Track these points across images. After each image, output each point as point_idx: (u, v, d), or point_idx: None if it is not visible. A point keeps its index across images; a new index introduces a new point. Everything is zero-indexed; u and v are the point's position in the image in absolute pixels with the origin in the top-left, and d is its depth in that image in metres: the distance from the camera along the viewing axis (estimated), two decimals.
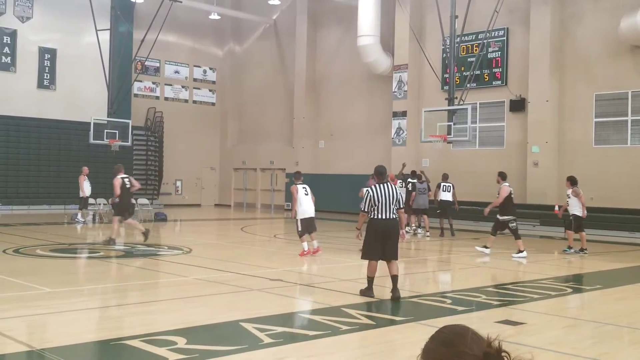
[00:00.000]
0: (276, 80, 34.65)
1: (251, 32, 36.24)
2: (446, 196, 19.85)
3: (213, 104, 37.28)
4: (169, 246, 16.03)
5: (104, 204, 24.16)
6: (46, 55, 30.53)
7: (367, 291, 9.27)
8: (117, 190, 15.19)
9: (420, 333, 7.31)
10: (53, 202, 28.22)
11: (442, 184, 20.05)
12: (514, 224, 14.51)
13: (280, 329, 7.36)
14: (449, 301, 9.31)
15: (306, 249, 13.62)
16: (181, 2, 28.47)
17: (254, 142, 35.51)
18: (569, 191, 15.64)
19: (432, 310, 8.77)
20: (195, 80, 36.59)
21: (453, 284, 11.90)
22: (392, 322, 8.18)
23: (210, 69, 37.16)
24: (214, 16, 34.78)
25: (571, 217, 15.54)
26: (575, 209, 15.46)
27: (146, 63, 32.31)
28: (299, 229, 13.68)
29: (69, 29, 30.86)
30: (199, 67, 36.70)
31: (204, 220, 27.58)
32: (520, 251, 14.34)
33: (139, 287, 10.57)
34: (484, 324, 7.66)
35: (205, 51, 36.93)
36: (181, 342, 6.63)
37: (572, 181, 15.64)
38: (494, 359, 1.95)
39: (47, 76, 30.52)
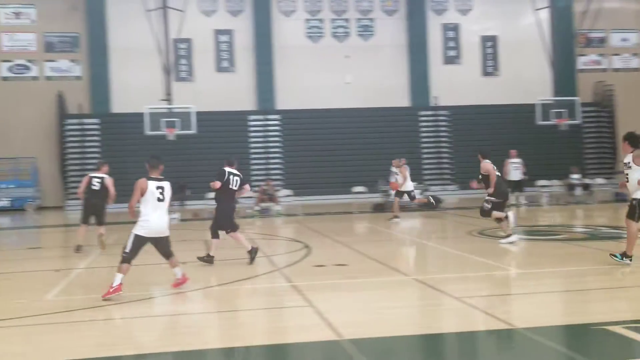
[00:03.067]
0: None
1: None
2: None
3: None
4: None
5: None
6: (488, 43, 31.34)
7: None
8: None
9: None
10: None
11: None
12: None
13: None
14: None
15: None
16: None
17: None
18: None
19: None
20: None
21: None
22: None
23: None
24: None
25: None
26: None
27: (589, 35, 30.45)
28: None
29: (508, 14, 31.13)
30: None
31: None
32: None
33: (603, 272, 9.62)
34: None
35: None
36: None
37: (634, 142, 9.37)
38: None
39: (490, 63, 31.30)
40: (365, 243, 13.62)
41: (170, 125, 24.59)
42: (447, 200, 25.37)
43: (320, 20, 30.61)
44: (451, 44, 31.33)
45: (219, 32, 29.83)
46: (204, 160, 28.22)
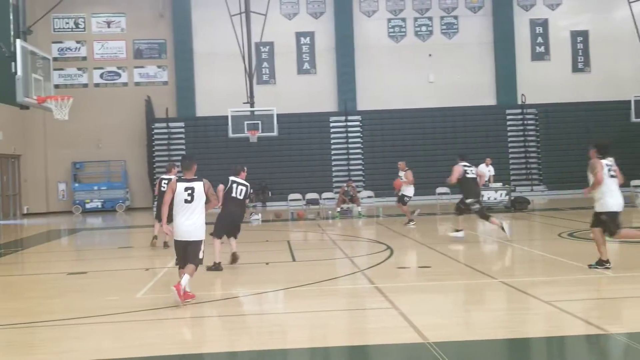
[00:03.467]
0: None
1: None
2: None
3: None
4: None
5: None
6: (578, 38, 30.24)
7: None
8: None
9: None
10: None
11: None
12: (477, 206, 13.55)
13: None
14: None
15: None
16: None
17: None
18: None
19: None
20: None
21: None
22: None
23: None
24: None
25: None
26: None
27: None
28: None
29: (599, 8, 30.04)
30: None
31: None
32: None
33: None
34: None
35: None
36: None
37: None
38: None
39: (580, 59, 30.19)
40: (449, 245, 13.32)
41: (253, 127, 24.92)
42: (535, 201, 24.54)
43: (403, 19, 30.32)
44: (539, 39, 30.34)
45: (300, 34, 30.04)
46: (286, 162, 28.55)
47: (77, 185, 28.71)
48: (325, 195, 23.56)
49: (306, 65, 30.06)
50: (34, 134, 28.60)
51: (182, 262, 8.05)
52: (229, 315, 7.64)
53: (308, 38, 30.06)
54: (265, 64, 29.82)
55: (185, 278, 7.82)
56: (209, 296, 8.38)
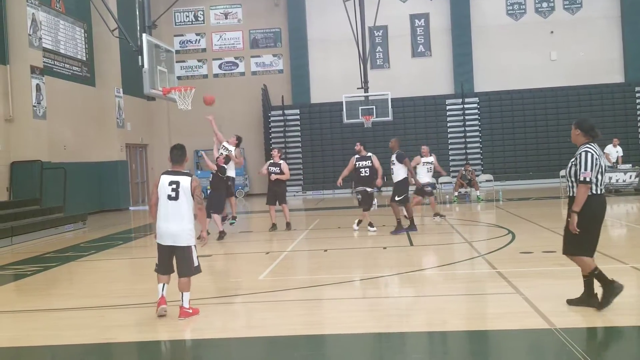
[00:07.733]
0: None
1: None
2: None
3: None
4: None
5: None
6: None
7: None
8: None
9: None
10: None
11: None
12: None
13: None
14: None
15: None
16: None
17: None
18: None
19: None
20: None
21: None
22: None
23: None
24: None
25: None
26: None
27: None
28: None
29: None
30: None
31: None
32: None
33: None
34: None
35: None
36: None
37: None
38: None
39: None
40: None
41: (367, 113, 24.86)
42: None
43: None
44: None
45: (414, 16, 29.58)
46: (402, 146, 28.25)
47: (199, 172, 29.91)
48: (442, 179, 23.17)
49: (421, 48, 29.61)
50: (159, 124, 30.04)
51: (165, 270, 6.94)
52: (348, 298, 7.68)
53: (422, 20, 29.56)
54: (379, 48, 29.66)
55: (185, 297, 6.78)
56: (328, 279, 8.46)
